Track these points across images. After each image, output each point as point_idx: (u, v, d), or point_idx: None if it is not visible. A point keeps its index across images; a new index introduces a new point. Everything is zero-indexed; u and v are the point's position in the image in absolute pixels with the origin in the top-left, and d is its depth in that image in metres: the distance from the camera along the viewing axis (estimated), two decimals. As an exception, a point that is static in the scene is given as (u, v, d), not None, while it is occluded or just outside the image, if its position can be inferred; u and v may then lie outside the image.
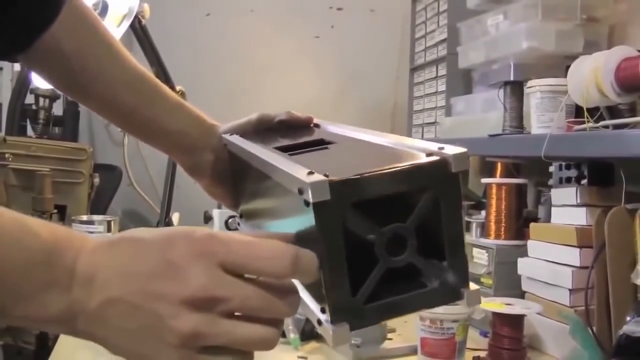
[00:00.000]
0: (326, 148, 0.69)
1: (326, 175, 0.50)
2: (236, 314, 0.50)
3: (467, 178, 1.68)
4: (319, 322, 0.53)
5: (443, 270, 0.55)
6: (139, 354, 0.50)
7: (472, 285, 0.56)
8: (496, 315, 1.10)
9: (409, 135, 2.10)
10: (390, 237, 0.52)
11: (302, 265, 0.49)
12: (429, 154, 0.53)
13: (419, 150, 0.55)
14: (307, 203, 0.50)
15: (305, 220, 0.51)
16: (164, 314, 0.47)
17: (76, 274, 0.49)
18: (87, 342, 1.13)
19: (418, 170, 0.52)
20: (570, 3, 1.36)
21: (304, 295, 0.57)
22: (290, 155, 0.66)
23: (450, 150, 0.53)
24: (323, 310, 0.53)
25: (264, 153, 0.68)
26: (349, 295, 0.52)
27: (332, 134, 0.79)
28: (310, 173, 0.50)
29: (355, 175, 0.51)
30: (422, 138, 2.00)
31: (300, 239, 0.53)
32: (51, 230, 0.51)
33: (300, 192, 0.51)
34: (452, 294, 0.55)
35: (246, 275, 0.50)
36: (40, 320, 0.49)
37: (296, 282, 0.61)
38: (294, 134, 0.83)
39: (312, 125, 0.89)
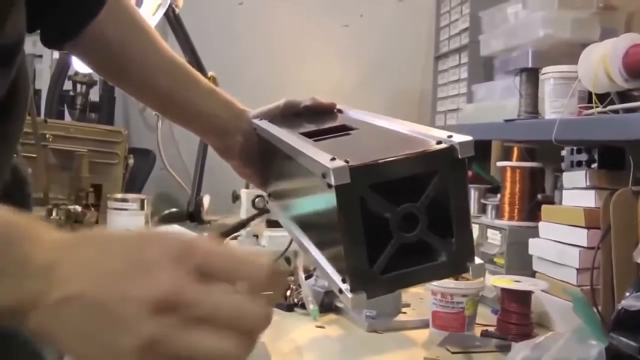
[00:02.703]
0: (348, 134, 0.76)
1: (346, 161, 0.56)
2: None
3: (489, 165, 1.72)
4: (340, 290, 0.60)
5: (451, 245, 0.61)
6: (91, 357, 0.46)
7: (477, 260, 0.62)
8: (505, 291, 1.14)
9: (432, 122, 2.15)
10: (404, 215, 0.58)
11: (276, 279, 0.48)
12: (438, 142, 0.60)
13: (431, 138, 0.61)
14: (329, 185, 0.56)
15: (328, 200, 0.58)
16: (127, 315, 0.43)
17: (32, 265, 0.45)
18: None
19: (428, 156, 0.59)
20: (588, -9, 1.39)
21: (328, 268, 0.63)
22: (316, 141, 0.73)
23: (458, 138, 0.59)
24: (344, 280, 0.60)
25: (291, 139, 0.75)
26: (366, 266, 0.58)
27: (354, 120, 0.84)
28: (333, 159, 0.57)
29: (373, 161, 0.57)
30: (445, 124, 2.05)
31: (324, 216, 0.60)
32: (6, 217, 0.48)
33: (324, 176, 0.57)
34: (459, 267, 0.62)
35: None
36: None
37: (321, 256, 0.68)
38: (318, 119, 0.90)
39: (335, 110, 0.95)
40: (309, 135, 0.76)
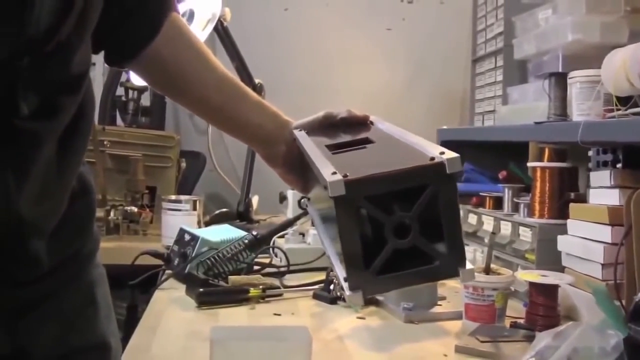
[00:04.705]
0: (365, 147, 0.84)
1: (345, 175, 0.64)
2: None
3: (527, 168, 1.78)
4: (342, 287, 0.68)
5: (442, 251, 0.68)
6: None
7: (468, 265, 0.70)
8: (532, 285, 1.21)
9: (471, 123, 2.22)
10: (397, 223, 0.66)
11: None
12: (431, 158, 0.67)
13: (428, 153, 0.69)
14: (330, 196, 0.65)
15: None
16: None
17: None
18: (175, 299, 1.32)
19: (419, 171, 0.66)
20: (615, -4, 1.45)
21: (339, 269, 0.72)
22: (334, 153, 0.81)
23: (447, 155, 0.66)
24: (345, 279, 0.68)
25: (313, 151, 0.84)
26: (362, 268, 0.66)
27: (378, 133, 0.93)
28: (334, 173, 0.65)
29: (368, 175, 0.65)
30: (483, 125, 2.11)
31: (334, 222, 0.68)
32: None
33: (325, 187, 0.65)
34: (450, 271, 0.69)
35: None
36: None
37: (333, 254, 0.76)
38: (352, 130, 0.98)
39: (368, 122, 1.03)
40: (334, 147, 0.84)
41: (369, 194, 0.65)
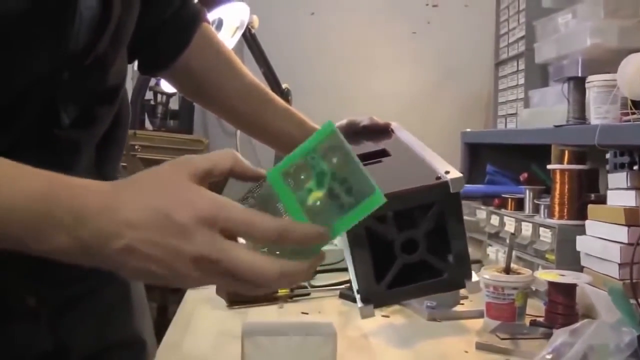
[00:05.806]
0: (380, 161, 0.88)
1: None
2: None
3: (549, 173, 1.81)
4: (355, 300, 0.73)
5: (449, 265, 0.72)
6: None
7: (474, 277, 0.74)
8: (551, 284, 1.25)
9: (494, 126, 2.25)
10: (405, 240, 0.70)
11: (289, 237, 0.58)
12: (437, 178, 0.71)
13: (436, 172, 0.72)
14: None
15: None
16: (178, 266, 0.56)
17: (87, 210, 0.56)
18: (206, 298, 1.36)
19: (426, 190, 0.70)
20: (634, 1, 1.47)
21: (353, 278, 0.76)
22: None
23: (452, 175, 0.70)
24: (358, 291, 0.73)
25: None
26: (373, 283, 0.71)
27: (396, 144, 0.97)
28: None
29: None
30: (506, 128, 2.14)
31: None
32: (49, 176, 0.58)
33: None
34: (457, 283, 0.73)
35: None
36: (51, 253, 0.57)
37: (350, 264, 0.81)
38: (373, 138, 1.02)
39: (389, 129, 1.07)
40: None
41: (378, 214, 0.67)
